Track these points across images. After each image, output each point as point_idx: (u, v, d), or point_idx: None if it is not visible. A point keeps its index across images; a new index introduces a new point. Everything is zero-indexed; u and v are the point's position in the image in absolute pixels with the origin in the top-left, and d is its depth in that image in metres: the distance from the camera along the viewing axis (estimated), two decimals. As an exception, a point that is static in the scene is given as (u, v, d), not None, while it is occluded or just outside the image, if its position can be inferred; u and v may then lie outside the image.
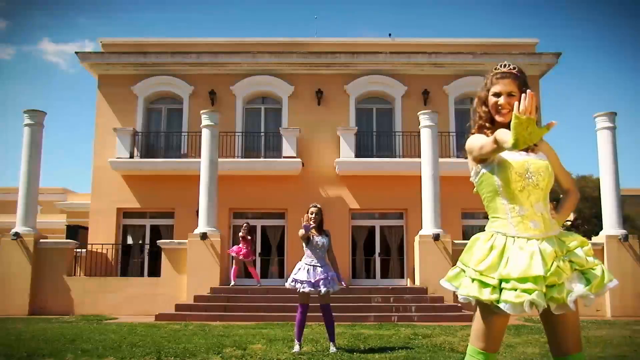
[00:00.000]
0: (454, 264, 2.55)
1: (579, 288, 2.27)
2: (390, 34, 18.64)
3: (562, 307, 2.28)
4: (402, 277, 16.48)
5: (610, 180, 14.41)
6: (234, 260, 14.12)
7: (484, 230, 2.53)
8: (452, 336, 8.36)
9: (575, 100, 70.19)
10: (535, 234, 2.35)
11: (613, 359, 6.39)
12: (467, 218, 16.85)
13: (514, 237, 2.36)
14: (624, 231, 14.20)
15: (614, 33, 64.80)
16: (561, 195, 2.68)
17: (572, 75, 69.65)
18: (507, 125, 2.49)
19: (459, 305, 12.22)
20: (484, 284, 2.32)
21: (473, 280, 2.35)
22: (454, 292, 2.46)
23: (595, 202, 24.28)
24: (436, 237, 13.67)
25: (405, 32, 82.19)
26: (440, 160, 14.83)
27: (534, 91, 2.14)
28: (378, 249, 16.76)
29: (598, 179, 15.80)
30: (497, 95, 2.50)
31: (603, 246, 13.79)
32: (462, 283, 2.41)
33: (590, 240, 13.60)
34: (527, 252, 2.29)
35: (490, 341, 2.35)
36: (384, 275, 16.63)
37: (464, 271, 2.42)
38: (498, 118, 2.51)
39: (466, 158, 2.61)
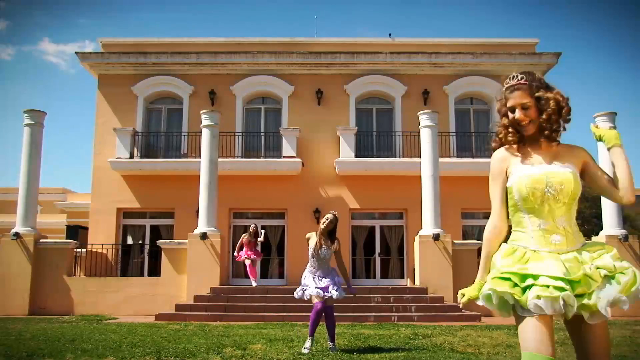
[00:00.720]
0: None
1: (609, 292, 2.20)
2: (390, 34, 18.65)
3: (596, 316, 2.21)
4: (402, 277, 16.47)
5: (610, 180, 14.39)
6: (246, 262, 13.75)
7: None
8: (452, 336, 8.36)
9: (575, 100, 69.70)
10: (556, 249, 2.30)
11: (613, 359, 6.38)
12: (467, 218, 16.86)
13: (534, 250, 2.32)
14: (624, 231, 14.21)
15: (614, 33, 64.82)
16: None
17: (572, 75, 69.66)
18: (531, 137, 2.45)
19: (459, 305, 12.18)
20: (502, 280, 2.26)
21: (492, 278, 2.30)
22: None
23: (595, 202, 24.28)
24: (436, 237, 13.66)
25: (405, 32, 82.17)
26: (440, 160, 14.84)
27: None
28: (378, 249, 16.75)
29: (598, 179, 15.79)
30: (513, 109, 2.45)
31: (603, 246, 13.79)
32: (482, 292, 2.34)
33: (590, 240, 13.61)
34: (548, 261, 2.25)
35: (539, 343, 2.18)
36: (384, 275, 16.62)
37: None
38: (523, 131, 2.45)
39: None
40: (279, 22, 76.21)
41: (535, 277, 2.21)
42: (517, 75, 2.45)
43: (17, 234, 13.93)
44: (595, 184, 2.42)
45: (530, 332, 2.20)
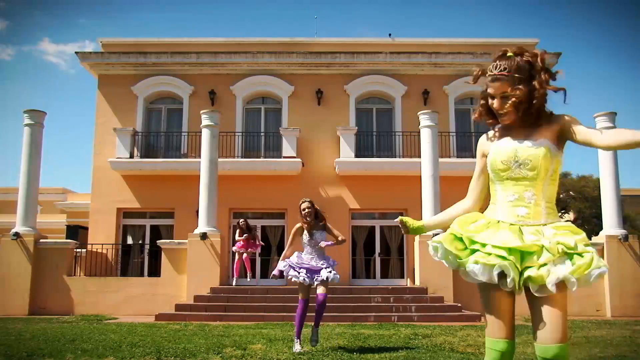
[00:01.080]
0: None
1: (561, 270, 2.20)
2: (390, 34, 18.66)
3: (543, 289, 2.22)
4: (402, 277, 16.47)
5: (610, 180, 14.41)
6: (236, 256, 13.71)
7: None
8: (452, 336, 8.35)
9: (575, 101, 70.11)
10: (520, 220, 2.35)
11: (613, 359, 6.38)
12: (467, 218, 16.84)
13: (499, 221, 2.39)
14: (624, 231, 14.21)
15: (614, 33, 64.83)
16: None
17: (572, 75, 69.64)
18: (506, 126, 2.49)
19: (459, 305, 12.23)
20: (455, 238, 2.37)
21: (448, 233, 2.41)
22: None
23: (595, 202, 24.29)
24: (436, 237, 13.65)
25: (405, 32, 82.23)
26: (440, 160, 14.84)
27: None
28: (378, 249, 16.75)
29: (598, 179, 15.81)
30: (492, 97, 2.47)
31: (603, 246, 13.80)
32: (431, 242, 2.48)
33: (590, 240, 13.62)
34: (507, 230, 2.32)
35: (497, 325, 2.29)
36: (384, 275, 16.63)
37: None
38: (500, 119, 2.49)
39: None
40: (279, 22, 76.28)
41: (483, 245, 2.29)
42: (499, 65, 2.46)
43: (17, 234, 13.93)
44: (577, 139, 2.35)
45: (490, 317, 2.32)
